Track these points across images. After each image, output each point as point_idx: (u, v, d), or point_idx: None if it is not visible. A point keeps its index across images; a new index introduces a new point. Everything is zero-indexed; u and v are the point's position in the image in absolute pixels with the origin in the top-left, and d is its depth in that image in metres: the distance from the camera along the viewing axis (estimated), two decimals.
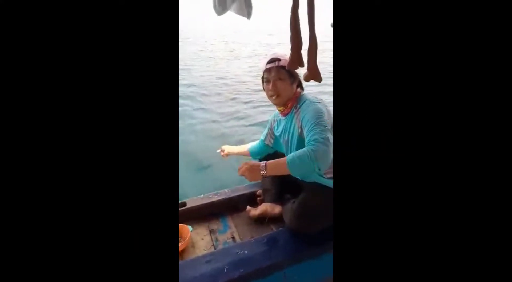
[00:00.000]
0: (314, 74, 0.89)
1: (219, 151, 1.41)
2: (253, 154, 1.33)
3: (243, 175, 0.94)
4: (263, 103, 3.81)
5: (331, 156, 0.87)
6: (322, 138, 0.88)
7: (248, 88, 5.06)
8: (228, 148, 1.40)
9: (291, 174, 0.89)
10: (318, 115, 0.94)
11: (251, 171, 0.92)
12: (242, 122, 3.45)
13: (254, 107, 3.96)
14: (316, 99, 1.03)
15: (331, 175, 1.05)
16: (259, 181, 1.16)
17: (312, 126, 0.92)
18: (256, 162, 0.95)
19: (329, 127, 0.93)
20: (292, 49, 0.89)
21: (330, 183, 1.05)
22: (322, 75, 0.90)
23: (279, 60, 1.05)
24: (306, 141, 0.91)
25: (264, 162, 0.92)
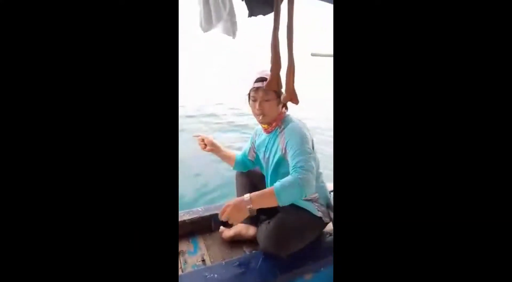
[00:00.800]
0: (291, 96, 0.92)
1: (196, 137, 1.20)
2: (237, 163, 1.25)
3: (227, 219, 0.82)
4: None
5: (314, 183, 0.88)
6: (309, 166, 0.88)
7: None
8: (212, 142, 1.19)
9: (278, 203, 0.83)
10: (303, 141, 0.95)
11: (236, 209, 0.81)
12: None
13: None
14: (301, 124, 1.04)
15: (309, 197, 1.04)
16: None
17: (297, 152, 0.92)
18: (238, 198, 0.86)
19: (313, 155, 0.94)
20: (271, 70, 0.92)
21: (306, 205, 1.04)
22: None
23: (266, 80, 1.04)
24: (292, 166, 0.90)
25: (248, 194, 0.84)
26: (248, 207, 0.81)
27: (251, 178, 1.23)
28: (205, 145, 1.18)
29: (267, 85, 0.93)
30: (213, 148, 1.19)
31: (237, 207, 0.81)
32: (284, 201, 0.84)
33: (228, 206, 0.82)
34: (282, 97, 0.95)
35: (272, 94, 1.03)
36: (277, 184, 0.84)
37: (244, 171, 1.25)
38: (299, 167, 0.87)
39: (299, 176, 0.84)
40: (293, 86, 0.91)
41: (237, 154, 1.27)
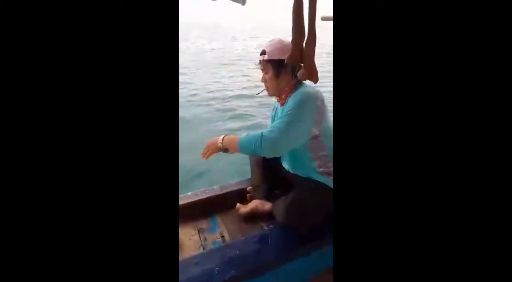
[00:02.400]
0: (310, 73, 0.83)
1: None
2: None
3: (204, 154, 0.99)
4: None
5: (282, 146, 0.91)
6: (278, 128, 0.89)
7: None
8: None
9: (239, 150, 0.94)
10: (300, 101, 0.93)
11: (210, 143, 0.98)
12: None
13: None
14: (309, 92, 0.98)
15: (324, 170, 1.03)
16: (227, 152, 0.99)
17: (283, 115, 0.92)
18: (213, 138, 0.99)
19: (299, 119, 0.91)
20: (292, 42, 0.83)
21: (322, 179, 1.03)
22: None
23: (265, 53, 1.01)
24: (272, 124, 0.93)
25: (222, 136, 0.97)
26: (219, 145, 0.97)
27: (265, 158, 1.22)
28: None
29: (289, 58, 0.85)
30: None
31: (211, 142, 0.99)
32: (242, 151, 0.94)
33: (208, 141, 0.99)
34: (299, 73, 0.87)
35: (269, 67, 1.01)
36: (243, 134, 0.94)
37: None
38: (272, 126, 0.91)
39: (264, 134, 0.89)
40: (313, 60, 0.83)
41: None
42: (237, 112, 4.15)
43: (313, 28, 0.78)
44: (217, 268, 0.85)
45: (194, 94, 5.03)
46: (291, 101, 0.95)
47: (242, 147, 0.93)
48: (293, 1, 0.75)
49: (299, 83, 1.03)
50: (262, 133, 0.89)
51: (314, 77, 0.86)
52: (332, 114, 0.53)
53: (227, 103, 4.59)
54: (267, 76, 1.04)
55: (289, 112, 0.91)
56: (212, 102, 4.61)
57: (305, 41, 0.78)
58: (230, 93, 5.14)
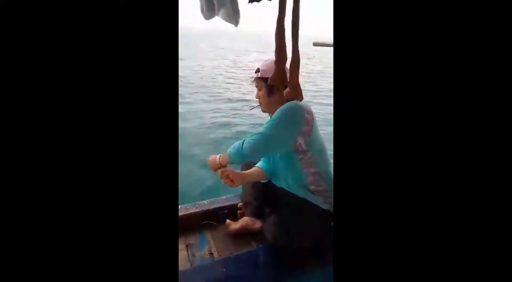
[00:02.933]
0: (295, 92, 0.86)
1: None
2: (268, 172, 1.17)
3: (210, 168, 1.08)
4: None
5: (261, 148, 0.95)
6: (259, 132, 0.94)
7: None
8: (234, 173, 1.08)
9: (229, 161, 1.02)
10: (279, 113, 0.95)
11: (211, 161, 1.08)
12: None
13: None
14: (297, 106, 0.98)
15: (315, 188, 1.03)
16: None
17: (267, 124, 0.96)
18: (213, 156, 1.08)
19: (281, 124, 0.94)
20: (275, 63, 0.87)
21: (311, 197, 1.03)
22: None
23: (258, 70, 1.06)
24: None
25: (220, 154, 1.05)
26: (217, 162, 1.05)
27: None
28: (231, 180, 1.04)
29: (271, 79, 0.88)
30: (239, 179, 1.08)
31: (211, 161, 1.08)
32: (231, 160, 1.01)
33: (208, 160, 1.09)
34: (285, 92, 0.90)
35: (262, 84, 1.05)
36: (233, 145, 1.01)
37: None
38: (255, 133, 0.95)
39: (245, 140, 0.95)
40: (297, 80, 0.86)
41: (260, 165, 1.18)
42: None
43: (296, 46, 0.81)
44: None
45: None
46: (277, 111, 0.97)
47: (230, 156, 1.00)
48: (276, 24, 0.79)
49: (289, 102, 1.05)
50: (244, 140, 0.96)
51: (298, 95, 0.89)
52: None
53: None
54: (260, 93, 1.08)
55: (273, 118, 0.95)
56: None
57: (289, 62, 0.81)
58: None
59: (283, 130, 0.95)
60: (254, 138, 0.94)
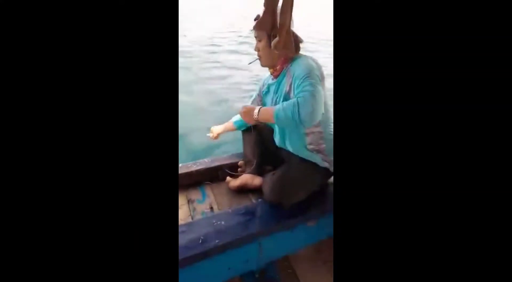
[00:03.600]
0: (285, 42, 0.72)
1: (209, 135, 1.31)
2: (239, 126, 1.25)
3: (240, 116, 1.00)
4: None
5: (318, 110, 0.84)
6: (312, 90, 0.83)
7: None
8: (215, 129, 1.30)
9: (275, 121, 0.89)
10: (309, 69, 0.87)
11: (246, 113, 0.97)
12: None
13: None
14: (310, 58, 0.95)
15: (314, 147, 1.02)
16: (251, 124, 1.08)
17: (301, 81, 0.86)
18: (252, 106, 0.97)
19: (319, 81, 0.86)
20: (264, 4, 0.73)
21: (311, 156, 1.03)
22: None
23: (259, 17, 0.93)
24: (295, 94, 0.87)
25: (259, 107, 0.95)
26: (255, 116, 0.94)
27: (258, 133, 1.21)
28: (215, 137, 1.29)
29: (257, 24, 0.77)
30: (218, 132, 1.29)
31: (247, 111, 0.97)
32: (280, 121, 0.88)
33: (244, 107, 0.99)
34: (273, 42, 0.78)
35: (263, 33, 0.93)
36: (279, 106, 0.87)
37: (249, 129, 1.22)
38: (301, 91, 0.84)
39: (297, 101, 0.83)
40: (289, 29, 0.73)
41: (236, 117, 1.25)
42: None
43: None
44: (201, 237, 0.88)
45: None
46: (298, 70, 0.89)
47: (279, 119, 0.87)
48: None
49: (297, 54, 0.97)
50: (295, 101, 0.83)
51: (289, 49, 0.77)
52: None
53: None
54: (260, 45, 0.97)
55: (305, 76, 0.85)
56: None
57: (279, 6, 0.68)
58: None
59: (321, 92, 0.86)
60: (303, 102, 0.82)
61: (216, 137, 1.29)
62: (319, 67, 0.92)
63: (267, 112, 0.92)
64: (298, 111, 0.81)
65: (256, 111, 0.94)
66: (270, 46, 0.94)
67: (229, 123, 1.28)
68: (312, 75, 0.86)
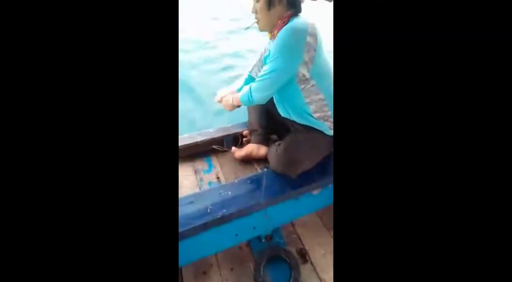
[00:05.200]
0: None
1: (218, 100, 1.24)
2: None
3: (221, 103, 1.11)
4: None
5: (269, 93, 0.93)
6: (263, 79, 0.90)
7: None
8: (222, 93, 1.20)
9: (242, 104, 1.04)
10: (285, 42, 0.84)
11: (226, 104, 1.09)
12: None
13: None
14: (297, 24, 0.85)
15: (320, 114, 0.99)
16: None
17: (270, 59, 0.88)
18: (227, 96, 1.09)
19: (282, 64, 0.86)
20: None
21: (318, 124, 1.00)
22: None
23: None
24: (259, 75, 0.93)
25: (231, 95, 1.07)
26: (232, 105, 1.07)
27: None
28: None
29: None
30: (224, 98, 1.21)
31: (226, 103, 1.09)
32: (245, 104, 1.03)
33: (222, 100, 1.11)
34: None
35: None
36: (242, 90, 1.01)
37: None
38: (259, 77, 0.92)
39: (251, 87, 0.94)
40: None
41: (239, 84, 1.21)
42: None
43: None
44: (210, 207, 0.91)
45: None
46: (277, 39, 0.86)
47: (244, 103, 1.02)
48: None
49: (294, 15, 0.90)
50: (250, 87, 0.95)
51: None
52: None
53: None
54: (258, 6, 0.90)
55: (273, 52, 0.86)
56: None
57: None
58: None
59: (285, 70, 0.88)
60: (261, 83, 0.92)
61: (221, 101, 1.24)
62: (305, 36, 0.84)
63: (237, 99, 1.03)
64: (252, 96, 0.95)
65: (231, 100, 1.06)
66: (268, 8, 0.89)
67: (234, 88, 1.23)
68: (283, 49, 0.84)
